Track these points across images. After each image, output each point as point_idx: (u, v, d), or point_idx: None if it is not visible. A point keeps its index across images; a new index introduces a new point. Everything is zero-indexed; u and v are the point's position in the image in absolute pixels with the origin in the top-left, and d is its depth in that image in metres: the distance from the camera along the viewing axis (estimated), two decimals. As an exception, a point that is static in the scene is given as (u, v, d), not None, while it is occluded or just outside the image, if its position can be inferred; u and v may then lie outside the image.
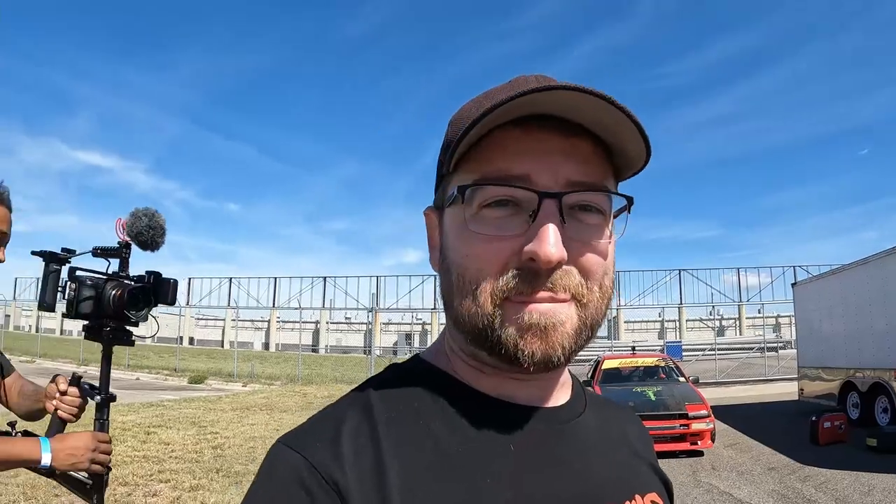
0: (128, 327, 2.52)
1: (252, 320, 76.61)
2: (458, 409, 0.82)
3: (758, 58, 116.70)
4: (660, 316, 64.62)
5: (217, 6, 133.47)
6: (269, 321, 74.56)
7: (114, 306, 2.40)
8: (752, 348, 34.24)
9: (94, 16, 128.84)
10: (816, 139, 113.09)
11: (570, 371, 0.93)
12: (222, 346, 68.74)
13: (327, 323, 73.14)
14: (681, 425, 11.53)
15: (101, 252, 2.46)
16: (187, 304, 70.59)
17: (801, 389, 18.04)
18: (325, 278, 72.21)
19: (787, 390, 21.28)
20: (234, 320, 64.76)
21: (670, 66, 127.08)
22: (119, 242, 2.46)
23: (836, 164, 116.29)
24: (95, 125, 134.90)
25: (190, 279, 75.57)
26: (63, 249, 2.45)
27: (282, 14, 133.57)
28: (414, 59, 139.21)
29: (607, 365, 15.14)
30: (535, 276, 0.75)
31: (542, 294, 0.76)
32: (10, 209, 2.44)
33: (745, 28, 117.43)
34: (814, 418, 12.61)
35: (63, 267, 2.43)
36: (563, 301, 0.77)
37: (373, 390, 0.84)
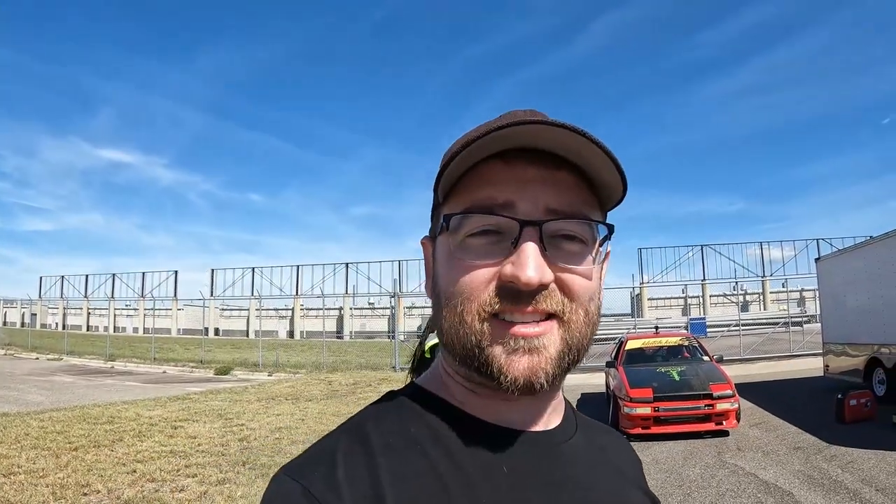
0: None
1: (276, 309, 77.01)
2: (454, 434, 0.84)
3: (781, 29, 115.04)
4: (683, 292, 64.15)
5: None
6: (292, 309, 74.91)
7: None
8: (777, 323, 33.99)
9: (109, 12, 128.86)
10: (840, 111, 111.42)
11: (562, 394, 0.97)
12: (247, 336, 69.21)
13: (351, 309, 73.35)
14: (706, 405, 11.48)
15: None
16: (211, 295, 71.13)
17: (827, 366, 17.90)
18: (347, 264, 72.48)
19: (812, 366, 21.12)
20: (258, 310, 65.19)
21: (694, 38, 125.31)
22: None
23: (860, 136, 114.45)
24: (117, 122, 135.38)
25: (213, 270, 76.30)
26: None
27: (300, 2, 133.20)
28: (437, 42, 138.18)
29: (631, 345, 15.05)
30: (516, 295, 0.79)
31: (527, 310, 0.80)
32: None
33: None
34: (840, 396, 12.49)
35: None
36: (547, 321, 0.81)
37: (369, 418, 0.87)
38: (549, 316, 0.81)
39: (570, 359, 0.83)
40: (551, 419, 0.93)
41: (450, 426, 0.85)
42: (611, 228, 0.86)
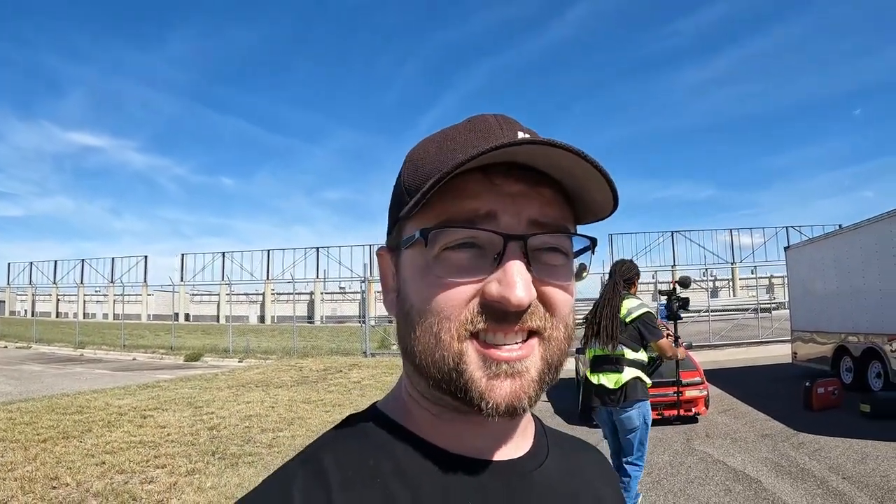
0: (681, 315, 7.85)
1: (246, 294, 76.56)
2: (416, 467, 0.79)
3: (754, 19, 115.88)
4: (653, 278, 64.59)
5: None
6: (263, 294, 74.50)
7: (676, 310, 7.72)
8: (746, 310, 34.36)
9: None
10: (812, 101, 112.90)
11: (531, 412, 0.91)
12: (217, 321, 68.69)
13: (322, 293, 73.07)
14: (674, 392, 11.55)
15: (666, 292, 7.97)
16: (181, 280, 70.49)
17: (795, 353, 18.18)
18: (317, 249, 72.08)
19: (780, 352, 21.42)
20: (228, 294, 64.70)
21: (668, 27, 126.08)
22: (672, 287, 7.92)
23: (832, 126, 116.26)
24: (87, 106, 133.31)
25: (183, 255, 75.45)
26: (661, 291, 8.29)
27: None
28: (409, 26, 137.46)
29: (601, 332, 15.09)
30: (502, 316, 0.74)
31: (509, 329, 0.75)
32: None
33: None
34: (807, 384, 12.69)
35: (671, 298, 7.85)
36: (528, 340, 0.76)
37: (327, 448, 0.82)
38: (531, 333, 0.76)
39: (550, 378, 0.78)
40: (521, 444, 0.87)
41: (412, 458, 0.80)
42: (594, 241, 0.82)
